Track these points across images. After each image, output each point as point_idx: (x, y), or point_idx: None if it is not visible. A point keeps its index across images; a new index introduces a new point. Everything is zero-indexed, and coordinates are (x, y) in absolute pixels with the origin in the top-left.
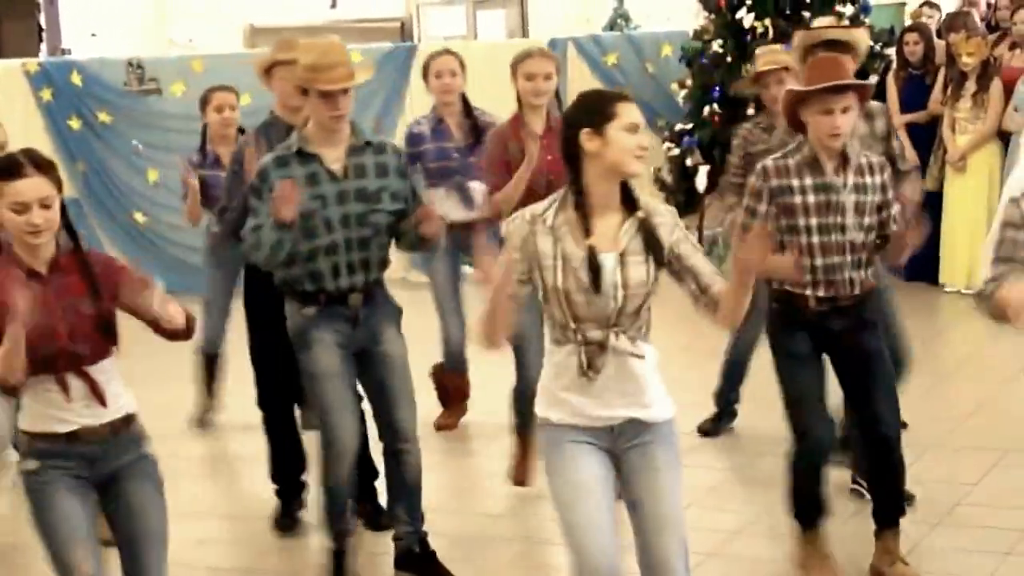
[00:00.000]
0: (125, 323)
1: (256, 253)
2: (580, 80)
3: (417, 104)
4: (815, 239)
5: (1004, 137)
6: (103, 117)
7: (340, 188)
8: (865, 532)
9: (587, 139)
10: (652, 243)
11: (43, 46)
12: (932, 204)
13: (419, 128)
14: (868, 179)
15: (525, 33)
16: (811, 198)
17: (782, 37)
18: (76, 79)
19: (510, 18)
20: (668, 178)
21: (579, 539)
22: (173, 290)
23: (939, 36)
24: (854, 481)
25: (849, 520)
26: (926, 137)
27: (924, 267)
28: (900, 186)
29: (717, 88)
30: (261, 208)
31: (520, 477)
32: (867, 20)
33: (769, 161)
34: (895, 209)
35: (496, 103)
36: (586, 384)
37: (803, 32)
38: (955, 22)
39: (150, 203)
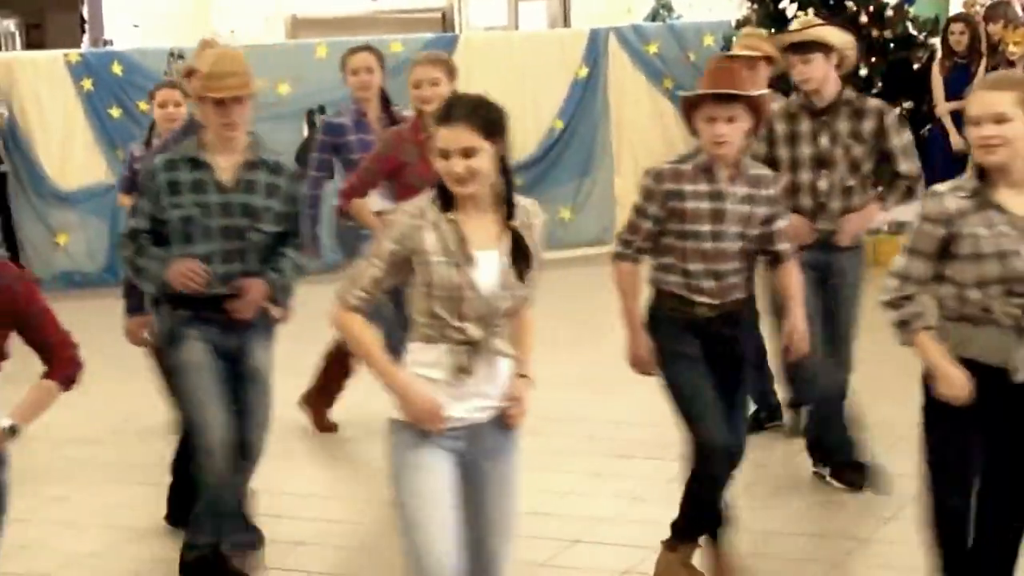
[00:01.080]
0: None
1: (137, 275)
2: (621, 70)
3: None
4: (707, 245)
5: None
6: (144, 106)
7: (225, 199)
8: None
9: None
10: (521, 249)
11: (86, 37)
12: None
13: (340, 120)
14: (760, 191)
15: (567, 23)
16: (704, 204)
17: None
18: (117, 69)
19: (551, 8)
20: None
21: (425, 547)
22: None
23: None
24: (815, 465)
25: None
26: None
27: None
28: (888, 192)
29: None
30: (145, 208)
31: None
32: (911, 10)
33: (666, 165)
34: (781, 224)
35: (538, 92)
36: (454, 386)
37: (780, 35)
38: (995, 12)
39: None
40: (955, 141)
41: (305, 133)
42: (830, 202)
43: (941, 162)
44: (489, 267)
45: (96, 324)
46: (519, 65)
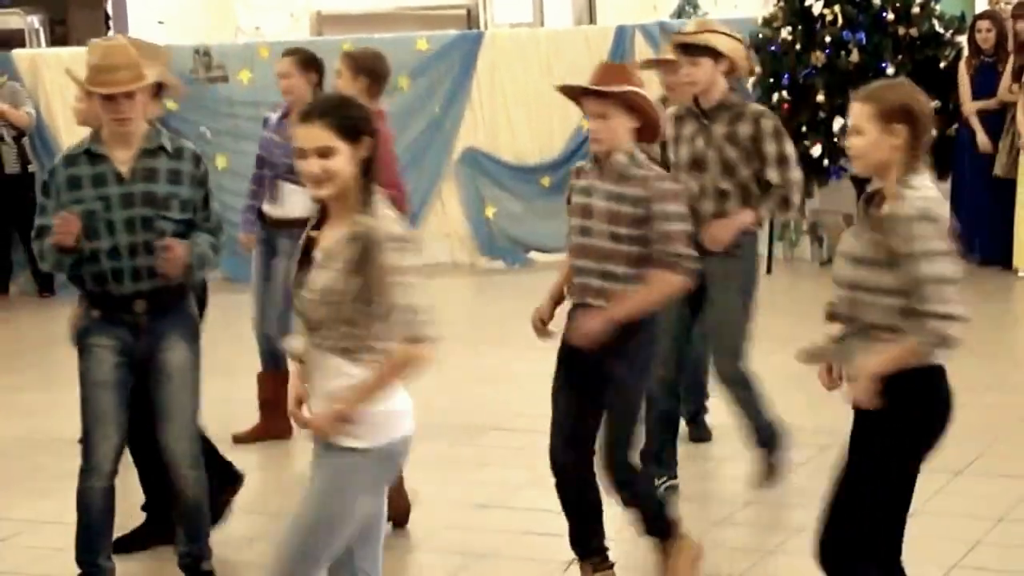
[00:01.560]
0: None
1: (42, 261)
2: None
3: (485, 92)
4: (576, 240)
5: None
6: (170, 104)
7: (125, 190)
8: None
9: None
10: (361, 260)
11: (110, 34)
12: (1005, 190)
13: (269, 114)
14: (628, 189)
15: (592, 20)
16: (578, 199)
17: (850, 24)
18: None
19: (577, 5)
20: None
21: None
22: (238, 277)
23: None
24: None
25: None
26: (997, 124)
27: (998, 251)
28: (763, 200)
29: (786, 76)
30: (48, 206)
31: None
32: (937, 7)
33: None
34: (658, 227)
35: None
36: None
37: (674, 34)
38: (1023, 9)
39: (218, 188)
40: (981, 141)
41: None
42: (701, 205)
43: (968, 162)
44: (316, 271)
45: None
46: (545, 63)
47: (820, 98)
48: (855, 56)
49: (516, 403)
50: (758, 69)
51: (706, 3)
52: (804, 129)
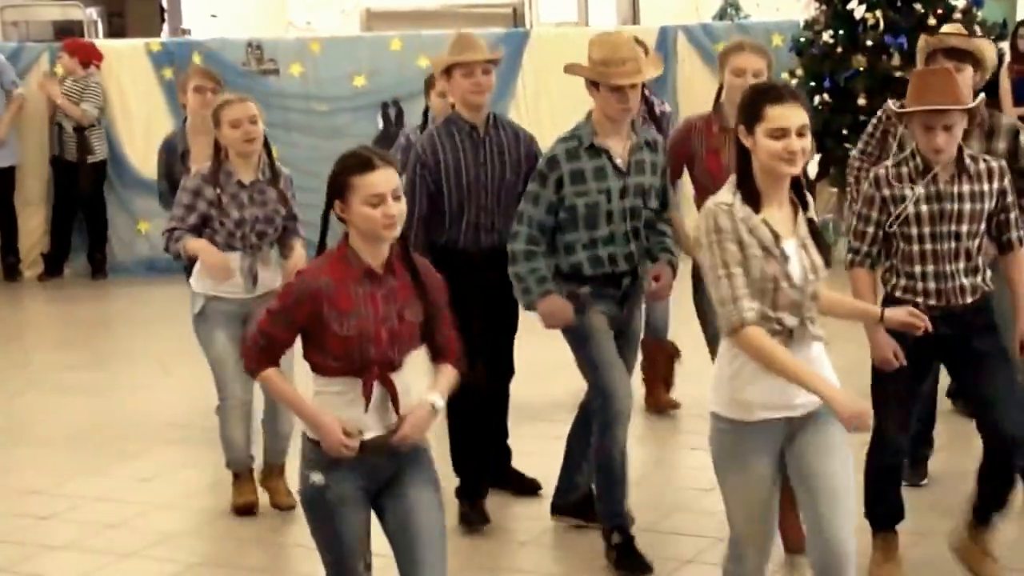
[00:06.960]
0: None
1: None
2: (691, 69)
3: (530, 92)
4: (927, 247)
5: None
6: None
7: (624, 183)
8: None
9: None
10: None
11: (165, 27)
12: None
13: None
14: (985, 186)
15: (636, 20)
16: (924, 207)
17: (892, 28)
18: (196, 59)
19: (621, 5)
20: None
21: None
22: None
23: None
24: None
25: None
26: None
27: None
28: None
29: (828, 78)
30: (542, 195)
31: None
32: (979, 13)
33: (883, 169)
34: (1013, 214)
35: None
36: None
37: (927, 37)
38: None
39: None
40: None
41: (380, 125)
42: None
43: None
44: (805, 252)
45: (176, 310)
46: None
47: (861, 101)
48: (896, 60)
49: None
50: (799, 71)
51: (748, 5)
52: (845, 132)
